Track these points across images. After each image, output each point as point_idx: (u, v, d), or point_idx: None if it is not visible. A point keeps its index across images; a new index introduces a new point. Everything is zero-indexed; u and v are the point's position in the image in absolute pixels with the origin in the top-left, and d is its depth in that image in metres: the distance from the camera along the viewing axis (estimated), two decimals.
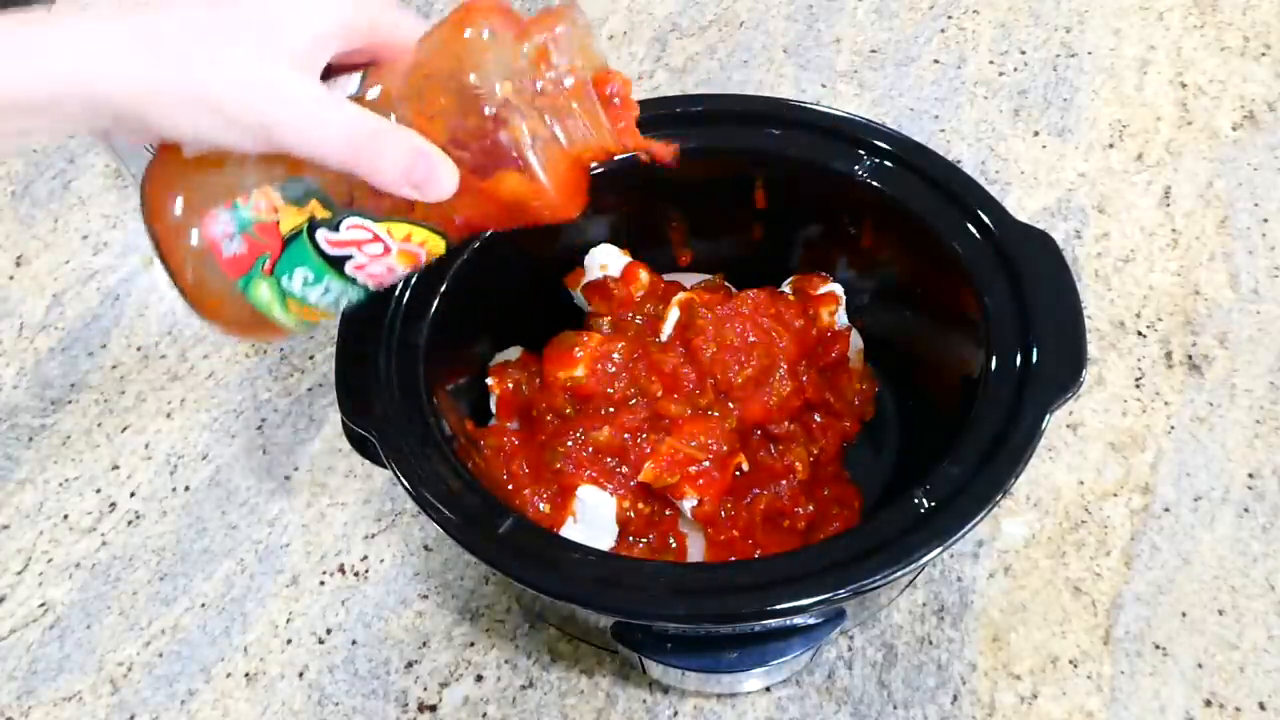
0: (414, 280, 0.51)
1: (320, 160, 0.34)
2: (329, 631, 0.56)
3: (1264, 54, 0.79)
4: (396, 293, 0.51)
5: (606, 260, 0.58)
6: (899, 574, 0.41)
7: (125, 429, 0.65)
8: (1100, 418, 0.61)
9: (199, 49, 0.33)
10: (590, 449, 0.52)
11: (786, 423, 0.54)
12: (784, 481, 0.53)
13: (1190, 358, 0.64)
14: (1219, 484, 0.59)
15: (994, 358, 0.47)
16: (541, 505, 0.51)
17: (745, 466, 0.52)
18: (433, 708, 0.54)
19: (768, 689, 0.53)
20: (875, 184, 0.53)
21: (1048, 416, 0.44)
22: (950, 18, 0.83)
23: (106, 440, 0.64)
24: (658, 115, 0.56)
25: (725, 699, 0.53)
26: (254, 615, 0.57)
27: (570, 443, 0.52)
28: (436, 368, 0.50)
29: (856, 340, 0.59)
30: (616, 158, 0.39)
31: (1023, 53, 0.80)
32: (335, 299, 0.40)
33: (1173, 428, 0.61)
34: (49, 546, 0.60)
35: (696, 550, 0.52)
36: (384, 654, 0.55)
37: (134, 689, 0.55)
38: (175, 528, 0.61)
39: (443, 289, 0.52)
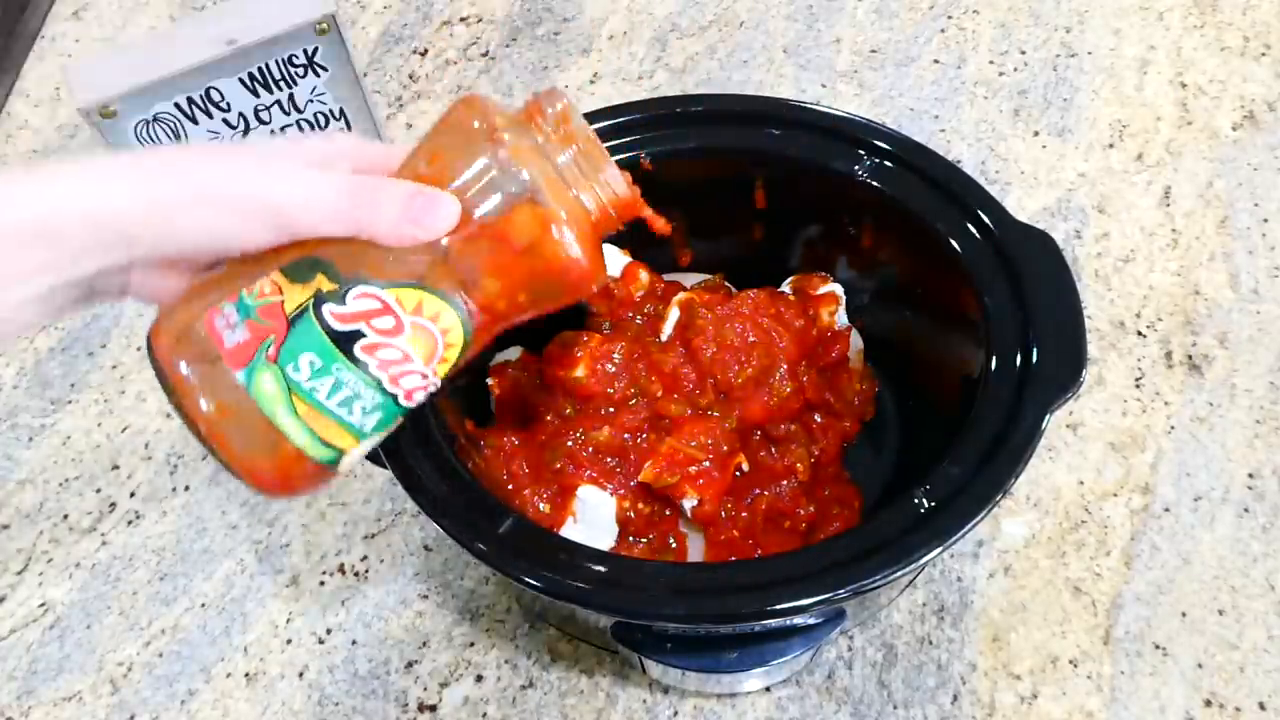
0: None
1: (321, 223, 0.34)
2: (329, 631, 0.56)
3: (1264, 54, 0.79)
4: None
5: (606, 260, 0.58)
6: (899, 574, 0.41)
7: (125, 429, 0.65)
8: (1100, 418, 0.61)
9: (200, 160, 0.35)
10: (590, 449, 0.52)
11: (787, 424, 0.54)
12: (784, 482, 0.53)
13: (1190, 358, 0.64)
14: (1219, 484, 0.59)
15: (994, 358, 0.47)
16: (541, 505, 0.51)
17: (745, 466, 0.52)
18: (433, 708, 0.54)
19: (768, 689, 0.53)
20: (875, 184, 0.53)
21: (1048, 416, 0.44)
22: (950, 18, 0.83)
23: (106, 440, 0.64)
24: (658, 115, 0.56)
25: (725, 699, 0.53)
26: (254, 615, 0.57)
27: (570, 443, 0.52)
28: None
29: (856, 340, 0.59)
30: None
31: (1023, 53, 0.80)
32: (349, 401, 0.35)
33: (1173, 428, 0.61)
34: (49, 546, 0.60)
35: (696, 550, 0.52)
36: (384, 654, 0.55)
37: (134, 689, 0.55)
38: (175, 528, 0.61)
39: None
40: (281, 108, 0.65)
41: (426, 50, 0.85)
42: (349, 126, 0.68)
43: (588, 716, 0.53)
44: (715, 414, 0.53)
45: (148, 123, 0.61)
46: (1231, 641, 0.53)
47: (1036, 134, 0.75)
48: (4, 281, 0.32)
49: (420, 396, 0.37)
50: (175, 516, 0.61)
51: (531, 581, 0.42)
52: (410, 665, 0.55)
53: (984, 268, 0.50)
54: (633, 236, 0.61)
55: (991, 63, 0.80)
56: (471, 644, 0.56)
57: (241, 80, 0.62)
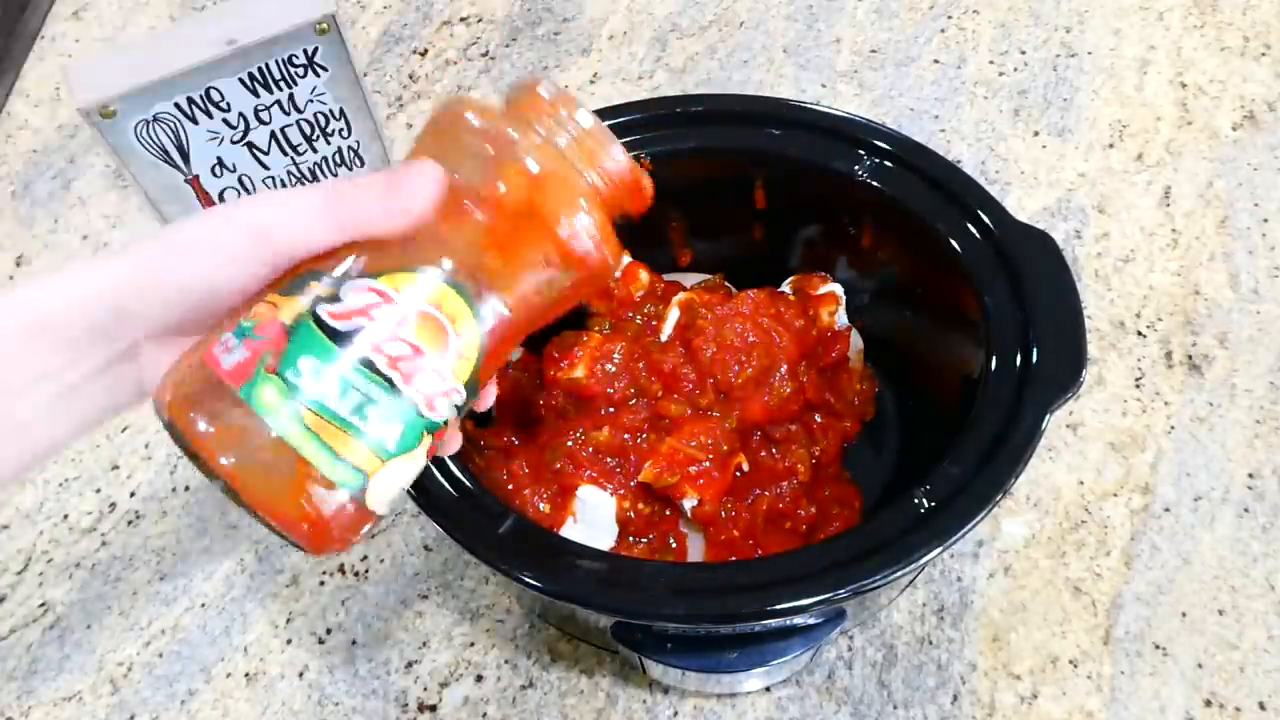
0: None
1: (309, 234, 0.33)
2: (329, 631, 0.56)
3: (1264, 54, 0.79)
4: None
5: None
6: (899, 574, 0.41)
7: (125, 429, 0.65)
8: (1100, 418, 0.61)
9: (182, 222, 0.34)
10: (590, 449, 0.52)
11: (787, 424, 0.54)
12: (785, 483, 0.53)
13: (1190, 358, 0.64)
14: (1219, 484, 0.59)
15: (994, 358, 0.47)
16: (541, 505, 0.51)
17: (745, 467, 0.52)
18: (433, 708, 0.54)
19: (768, 689, 0.53)
20: (875, 184, 0.53)
21: (1048, 416, 0.44)
22: (950, 18, 0.83)
23: (106, 440, 0.64)
24: (658, 115, 0.56)
25: (725, 699, 0.53)
26: (254, 615, 0.57)
27: (570, 443, 0.52)
28: None
29: (856, 340, 0.59)
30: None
31: (1023, 53, 0.80)
32: (360, 407, 0.32)
33: (1173, 428, 0.61)
34: (49, 546, 0.60)
35: (696, 550, 0.52)
36: (384, 654, 0.55)
37: (134, 689, 0.55)
38: (175, 528, 0.61)
39: None
40: (281, 108, 0.65)
41: (426, 50, 0.85)
42: (349, 126, 0.68)
43: (588, 716, 0.53)
44: (715, 414, 0.52)
45: (148, 123, 0.61)
46: (1231, 641, 0.53)
47: (1036, 134, 0.75)
48: (16, 385, 0.32)
49: (444, 406, 0.34)
50: (175, 516, 0.61)
51: (531, 581, 0.42)
52: (410, 665, 0.55)
53: (984, 268, 0.50)
54: (633, 236, 0.61)
55: (991, 63, 0.80)
56: (471, 644, 0.56)
57: (241, 80, 0.62)
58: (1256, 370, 0.63)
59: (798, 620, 0.45)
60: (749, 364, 0.53)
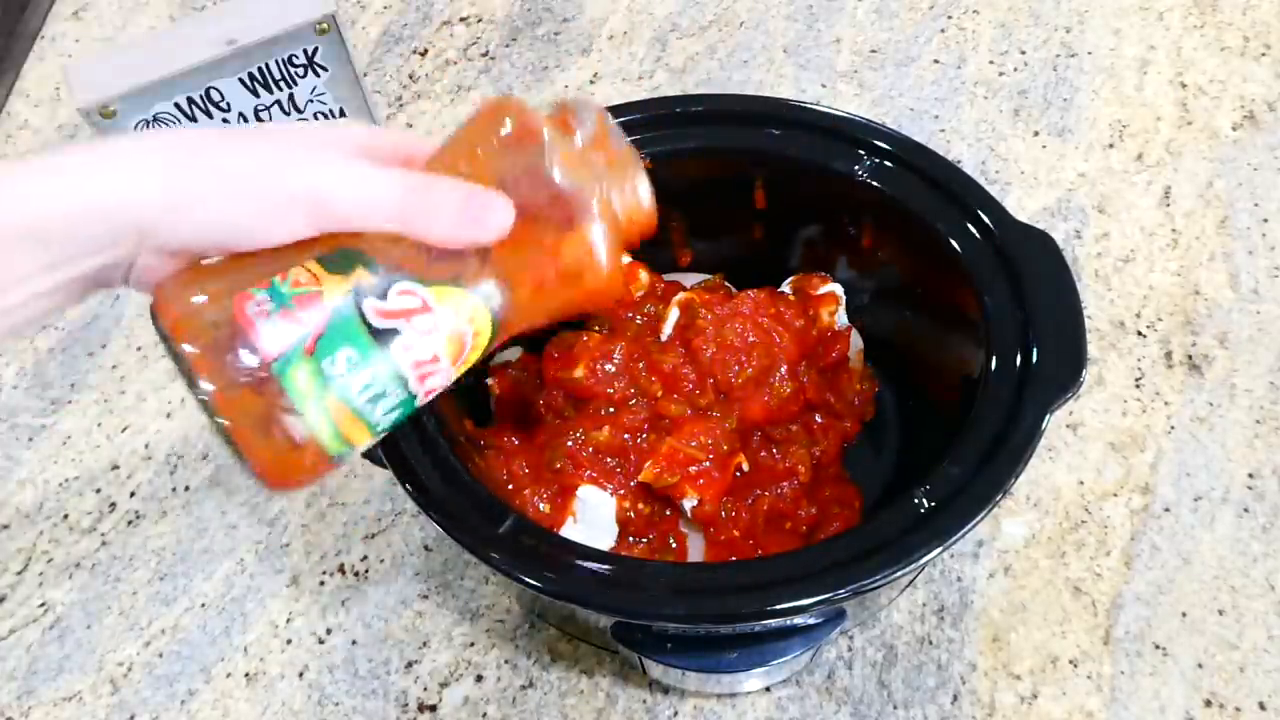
0: None
1: (373, 221, 0.33)
2: (329, 631, 0.56)
3: (1264, 54, 0.79)
4: None
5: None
6: (899, 574, 0.41)
7: (125, 429, 0.65)
8: (1100, 418, 0.61)
9: (235, 144, 0.32)
10: (590, 449, 0.52)
11: (788, 425, 0.54)
12: (785, 483, 0.53)
13: (1190, 358, 0.64)
14: (1219, 484, 0.59)
15: (994, 358, 0.47)
16: (541, 505, 0.51)
17: (745, 466, 0.52)
18: (433, 708, 0.54)
19: (768, 689, 0.53)
20: (875, 184, 0.53)
21: (1048, 416, 0.44)
22: (950, 18, 0.83)
23: (106, 440, 0.64)
24: (658, 115, 0.56)
25: (725, 699, 0.53)
26: (254, 615, 0.57)
27: (570, 443, 0.51)
28: None
29: (856, 340, 0.59)
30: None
31: (1023, 53, 0.80)
32: (377, 398, 0.34)
33: (1173, 428, 0.61)
34: (49, 546, 0.60)
35: (696, 550, 0.52)
36: (384, 654, 0.55)
37: (134, 689, 0.55)
38: (175, 528, 0.61)
39: None
40: (281, 108, 0.65)
41: (426, 50, 0.85)
42: None
43: (588, 716, 0.53)
44: (715, 414, 0.52)
45: (148, 123, 0.61)
46: (1231, 641, 0.53)
47: (1036, 134, 0.75)
48: (3, 285, 0.30)
49: (434, 396, 0.37)
50: (175, 516, 0.61)
51: (531, 581, 0.42)
52: (410, 665, 0.55)
53: (984, 268, 0.50)
54: None
55: (991, 63, 0.80)
56: (471, 644, 0.56)
57: (241, 80, 0.62)
58: (1256, 370, 0.63)
59: (798, 620, 0.45)
60: (749, 364, 0.53)
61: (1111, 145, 0.74)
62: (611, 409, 0.52)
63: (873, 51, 0.81)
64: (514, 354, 0.58)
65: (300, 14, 0.61)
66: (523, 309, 0.37)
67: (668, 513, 0.53)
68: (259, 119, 0.64)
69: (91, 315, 0.70)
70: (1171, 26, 0.81)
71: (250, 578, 0.59)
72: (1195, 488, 0.58)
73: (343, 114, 0.67)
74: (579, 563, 0.42)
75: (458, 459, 0.46)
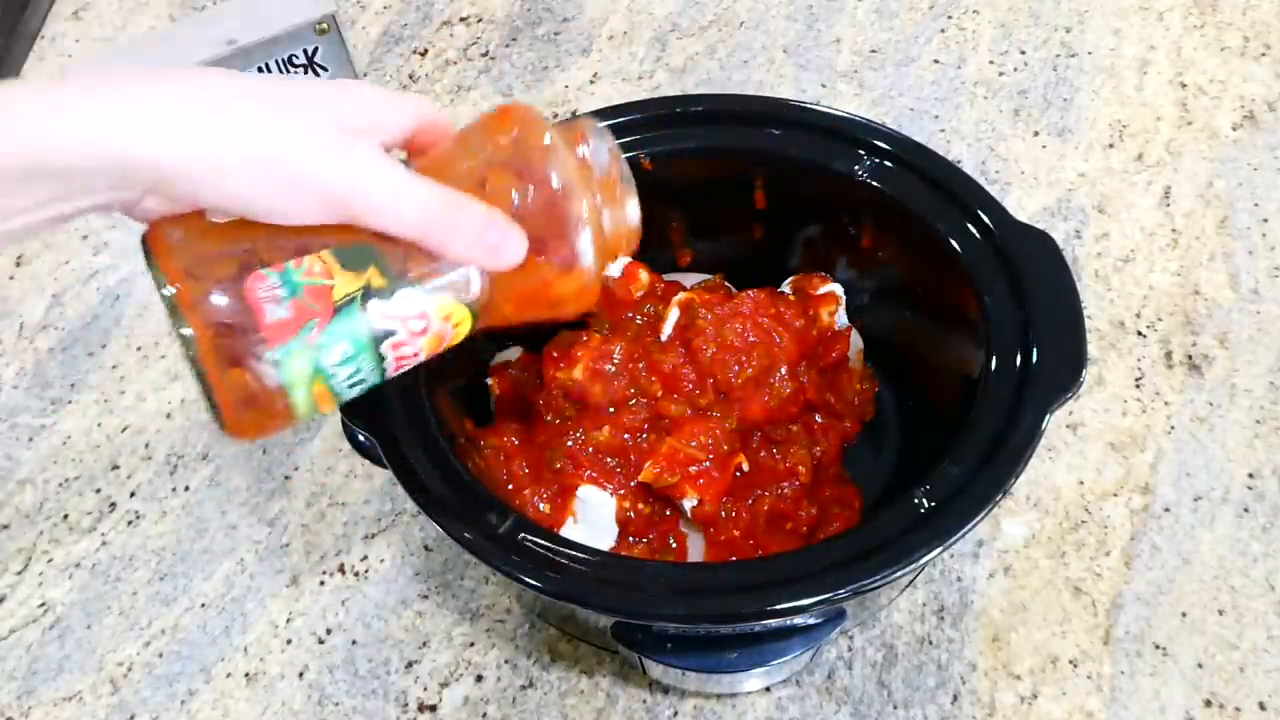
0: None
1: (397, 229, 0.33)
2: (329, 631, 0.56)
3: (1264, 54, 0.79)
4: None
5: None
6: (899, 574, 0.41)
7: (125, 429, 0.65)
8: (1100, 418, 0.61)
9: (266, 113, 0.31)
10: (590, 449, 0.52)
11: (788, 425, 0.54)
12: (786, 484, 0.53)
13: (1190, 358, 0.64)
14: (1219, 484, 0.59)
15: (994, 358, 0.47)
16: (541, 505, 0.51)
17: (745, 467, 0.52)
18: (433, 708, 0.54)
19: (768, 689, 0.53)
20: (875, 184, 0.53)
21: (1048, 416, 0.44)
22: (950, 18, 0.83)
23: (106, 440, 0.64)
24: (658, 115, 0.56)
25: (725, 699, 0.53)
26: (254, 615, 0.57)
27: (570, 443, 0.52)
28: (436, 368, 0.50)
29: (856, 340, 0.59)
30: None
31: (1023, 53, 0.80)
32: (353, 384, 0.37)
33: (1173, 428, 0.61)
34: (49, 546, 0.60)
35: (696, 550, 0.52)
36: (384, 654, 0.55)
37: (134, 689, 0.55)
38: (175, 528, 0.61)
39: None
40: None
41: (426, 50, 0.85)
42: None
43: (588, 716, 0.53)
44: (715, 414, 0.52)
45: None
46: (1231, 641, 0.53)
47: (1036, 134, 0.75)
48: (2, 214, 0.30)
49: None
50: (175, 516, 0.61)
51: (531, 581, 0.42)
52: (410, 665, 0.55)
53: (984, 268, 0.50)
54: None
55: (991, 63, 0.80)
56: (471, 644, 0.56)
57: None
58: (1256, 370, 0.63)
59: (798, 620, 0.45)
60: (749, 364, 0.53)
61: (1111, 145, 0.74)
62: (612, 409, 0.52)
63: (873, 51, 0.81)
64: (514, 354, 0.58)
65: (300, 14, 0.61)
66: (504, 315, 0.39)
67: (668, 513, 0.53)
68: None
69: (92, 315, 0.70)
70: (1171, 26, 0.81)
71: (250, 578, 0.59)
72: (1195, 488, 0.58)
73: None
74: (579, 563, 0.42)
75: (458, 459, 0.46)
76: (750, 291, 0.56)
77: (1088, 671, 0.53)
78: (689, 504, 0.51)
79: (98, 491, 0.62)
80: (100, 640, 0.57)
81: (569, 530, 0.51)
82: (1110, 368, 0.63)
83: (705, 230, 0.61)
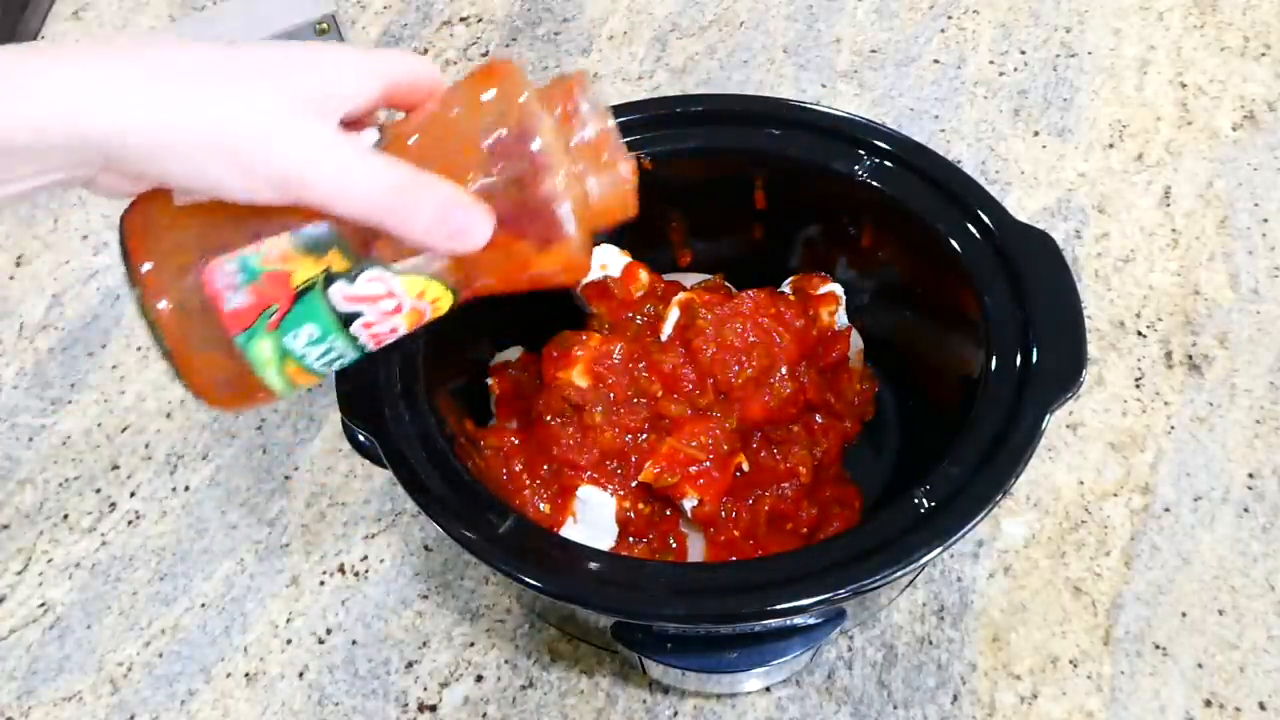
0: None
1: (350, 212, 0.32)
2: (329, 631, 0.56)
3: (1264, 54, 0.79)
4: None
5: (606, 260, 0.58)
6: (899, 574, 0.41)
7: (125, 429, 0.65)
8: (1100, 418, 0.61)
9: (220, 91, 0.30)
10: (590, 449, 0.51)
11: (788, 426, 0.54)
12: (786, 484, 0.53)
13: (1190, 358, 0.64)
14: (1219, 484, 0.59)
15: (994, 358, 0.47)
16: (541, 505, 0.51)
17: (746, 467, 0.52)
18: (433, 708, 0.54)
19: (768, 689, 0.53)
20: (875, 184, 0.53)
21: (1048, 416, 0.44)
22: (950, 18, 0.83)
23: (106, 440, 0.64)
24: (658, 115, 0.56)
25: (725, 699, 0.53)
26: (254, 615, 0.57)
27: (570, 442, 0.51)
28: (436, 368, 0.50)
29: (856, 340, 0.59)
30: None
31: (1023, 53, 0.80)
32: (331, 361, 0.37)
33: (1173, 428, 0.61)
34: (49, 546, 0.60)
35: (696, 550, 0.52)
36: (384, 654, 0.55)
37: (134, 689, 0.55)
38: (175, 528, 0.61)
39: None
40: None
41: (426, 50, 0.85)
42: None
43: (588, 716, 0.53)
44: (715, 414, 0.52)
45: None
46: (1231, 641, 0.53)
47: (1036, 134, 0.75)
48: None
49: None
50: (175, 516, 0.61)
51: (531, 581, 0.42)
52: (410, 665, 0.55)
53: (984, 268, 0.50)
54: (633, 236, 0.61)
55: (991, 63, 0.80)
56: (471, 644, 0.56)
57: None
58: (1256, 370, 0.63)
59: (798, 620, 0.45)
60: (749, 364, 0.53)
61: (1111, 145, 0.74)
62: (601, 409, 0.52)
63: (873, 51, 0.81)
64: (514, 354, 0.58)
65: (300, 14, 0.61)
66: (489, 288, 0.38)
67: (668, 513, 0.53)
68: None
69: (91, 315, 0.70)
70: (1171, 26, 0.81)
71: (250, 578, 0.59)
72: (1195, 488, 0.58)
73: None
74: (579, 563, 0.42)
75: (458, 459, 0.46)
76: (750, 291, 0.56)
77: (1088, 671, 0.53)
78: (689, 504, 0.51)
79: (98, 491, 0.62)
80: (100, 640, 0.57)
81: (569, 530, 0.51)
82: (1110, 368, 0.63)
83: (705, 230, 0.61)
